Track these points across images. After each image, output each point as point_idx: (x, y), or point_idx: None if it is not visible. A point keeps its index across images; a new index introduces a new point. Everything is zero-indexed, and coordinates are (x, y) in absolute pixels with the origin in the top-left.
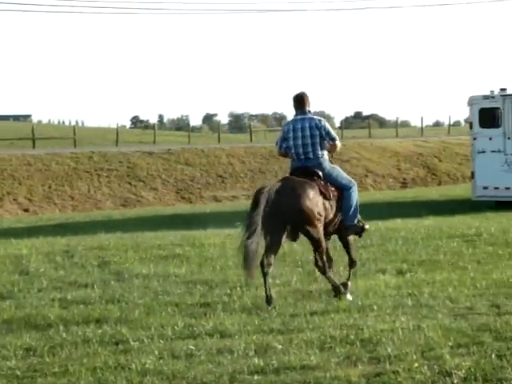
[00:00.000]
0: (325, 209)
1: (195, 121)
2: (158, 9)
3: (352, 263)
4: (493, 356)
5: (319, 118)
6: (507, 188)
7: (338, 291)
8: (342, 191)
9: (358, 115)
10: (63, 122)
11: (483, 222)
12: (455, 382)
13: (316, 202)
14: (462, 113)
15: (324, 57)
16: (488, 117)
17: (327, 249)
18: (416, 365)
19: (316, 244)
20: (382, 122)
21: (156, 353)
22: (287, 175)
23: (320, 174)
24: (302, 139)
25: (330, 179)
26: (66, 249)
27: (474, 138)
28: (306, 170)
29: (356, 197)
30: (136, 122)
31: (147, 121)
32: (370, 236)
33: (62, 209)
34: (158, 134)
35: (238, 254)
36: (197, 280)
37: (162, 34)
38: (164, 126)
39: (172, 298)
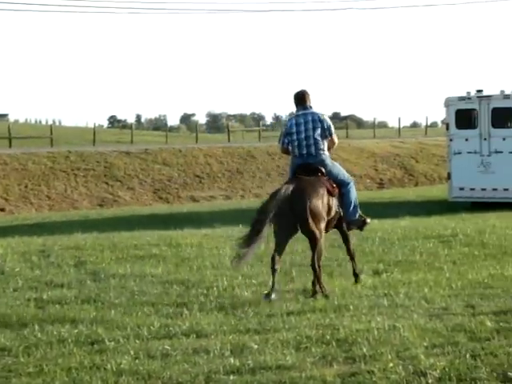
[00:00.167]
0: (329, 207)
1: (173, 121)
2: (131, 8)
3: (352, 256)
4: (467, 356)
5: (321, 112)
6: (483, 189)
7: (314, 293)
8: (341, 187)
9: (335, 116)
10: (40, 122)
11: (459, 222)
12: (430, 381)
13: (325, 202)
14: (439, 114)
15: (302, 57)
16: (464, 118)
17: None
18: (391, 365)
19: (315, 242)
20: (359, 123)
21: (132, 353)
22: (297, 176)
23: (323, 170)
24: (305, 132)
25: (331, 175)
26: (42, 248)
27: (451, 139)
28: (309, 167)
29: (355, 192)
30: (113, 121)
31: (125, 120)
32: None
33: (38, 208)
34: (135, 133)
35: (238, 244)
36: (173, 280)
37: (141, 34)
38: (142, 125)
39: (148, 298)
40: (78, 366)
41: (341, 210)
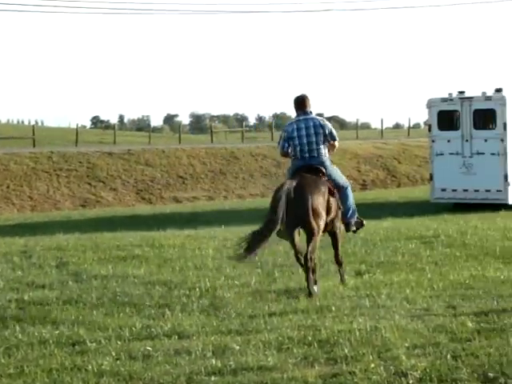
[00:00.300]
0: (329, 206)
1: (156, 121)
2: (117, 9)
3: (340, 261)
4: (448, 357)
5: (321, 118)
6: (465, 190)
7: (311, 289)
8: (339, 190)
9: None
10: (22, 122)
11: (441, 223)
12: (411, 382)
13: (326, 200)
14: (421, 115)
15: (286, 58)
16: (446, 119)
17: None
18: (372, 365)
19: (313, 237)
20: (342, 124)
21: (113, 354)
22: (301, 173)
23: (324, 171)
24: (306, 137)
25: (330, 178)
26: (24, 249)
27: (433, 141)
28: (310, 168)
29: (351, 195)
30: (96, 122)
31: (108, 121)
32: (328, 237)
33: (20, 209)
34: (118, 134)
35: (247, 238)
36: (156, 281)
37: (124, 35)
38: (124, 126)
39: (130, 299)
40: (59, 367)
41: (339, 212)
